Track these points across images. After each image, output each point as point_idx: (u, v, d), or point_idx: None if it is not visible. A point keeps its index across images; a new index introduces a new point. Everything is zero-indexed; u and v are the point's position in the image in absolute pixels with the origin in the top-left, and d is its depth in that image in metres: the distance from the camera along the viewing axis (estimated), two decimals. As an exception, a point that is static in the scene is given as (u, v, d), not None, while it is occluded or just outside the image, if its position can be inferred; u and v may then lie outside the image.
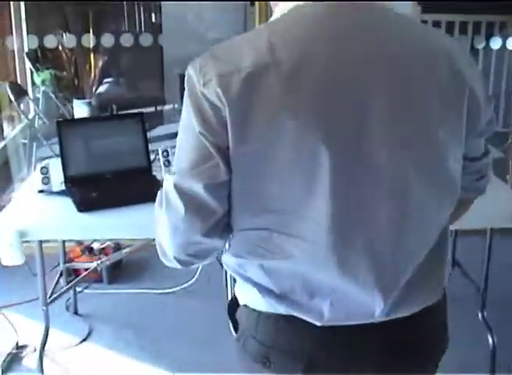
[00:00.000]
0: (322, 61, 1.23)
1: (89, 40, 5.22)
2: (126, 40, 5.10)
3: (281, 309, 1.39)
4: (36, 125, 5.69)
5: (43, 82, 6.47)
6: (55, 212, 2.69)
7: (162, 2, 5.73)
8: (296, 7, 1.29)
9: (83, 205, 2.65)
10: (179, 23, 5.59)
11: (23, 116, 5.29)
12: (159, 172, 2.98)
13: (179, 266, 1.42)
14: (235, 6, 5.72)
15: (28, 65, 6.35)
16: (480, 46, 6.48)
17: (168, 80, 6.04)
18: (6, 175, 5.08)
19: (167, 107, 6.37)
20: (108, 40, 5.29)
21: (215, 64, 1.25)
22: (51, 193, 2.82)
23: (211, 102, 1.24)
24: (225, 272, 3.17)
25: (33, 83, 6.73)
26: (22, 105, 5.36)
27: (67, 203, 2.71)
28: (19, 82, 6.28)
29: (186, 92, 1.29)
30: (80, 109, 5.98)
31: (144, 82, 5.78)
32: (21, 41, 6.03)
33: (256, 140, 1.23)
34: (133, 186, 2.84)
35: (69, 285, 3.20)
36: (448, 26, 7.07)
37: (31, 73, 6.55)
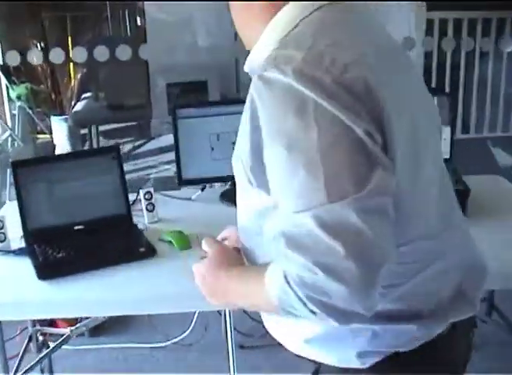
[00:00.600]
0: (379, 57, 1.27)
1: (61, 54, 4.62)
2: (102, 54, 4.46)
3: (436, 327, 1.34)
4: (9, 147, 5.10)
5: (19, 97, 5.89)
6: (11, 279, 2.13)
7: (146, 8, 5.13)
8: (317, 12, 1.28)
9: (46, 271, 2.10)
10: (164, 28, 5.02)
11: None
12: (141, 217, 2.42)
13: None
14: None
15: (3, 80, 5.76)
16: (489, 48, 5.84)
17: (154, 91, 5.48)
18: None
19: (154, 120, 5.79)
20: (81, 54, 4.62)
21: (336, 51, 1.19)
22: (8, 252, 2.26)
23: (357, 91, 1.15)
24: (225, 320, 2.67)
25: (10, 99, 6.16)
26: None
27: (27, 266, 2.16)
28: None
29: (293, 101, 1.15)
30: (58, 126, 5.42)
31: (127, 95, 5.19)
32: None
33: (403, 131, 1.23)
34: (109, 240, 2.29)
35: (38, 359, 2.64)
36: (456, 24, 6.51)
37: (7, 88, 5.97)
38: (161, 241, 2.29)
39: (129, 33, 6.29)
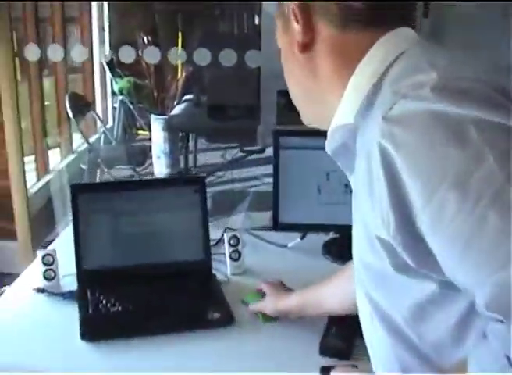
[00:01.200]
0: None
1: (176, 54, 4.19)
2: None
3: None
4: (102, 144, 4.76)
5: (121, 91, 5.59)
6: (52, 328, 1.74)
7: (264, 6, 4.66)
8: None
9: (92, 330, 1.68)
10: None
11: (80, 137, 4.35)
12: (222, 264, 1.95)
13: None
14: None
15: (107, 74, 5.48)
16: None
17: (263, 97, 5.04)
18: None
19: (261, 128, 5.34)
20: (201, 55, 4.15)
21: (461, 66, 0.97)
22: (55, 294, 1.84)
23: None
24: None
25: (113, 93, 5.89)
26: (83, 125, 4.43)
27: (75, 315, 1.76)
28: (86, 94, 5.41)
29: (446, 128, 0.84)
30: (158, 126, 5.04)
31: (232, 101, 4.75)
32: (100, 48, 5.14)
33: None
34: (179, 294, 1.85)
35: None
36: None
37: (111, 81, 5.68)
38: (243, 304, 1.81)
39: (245, 31, 5.86)
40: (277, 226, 2.11)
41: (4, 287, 1.93)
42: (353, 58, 1.02)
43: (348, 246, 1.12)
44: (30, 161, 4.66)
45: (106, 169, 4.18)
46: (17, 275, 3.58)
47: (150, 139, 5.33)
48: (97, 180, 4.42)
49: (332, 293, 1.59)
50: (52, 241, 2.24)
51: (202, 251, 1.95)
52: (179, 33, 5.08)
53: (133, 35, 5.12)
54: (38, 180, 4.74)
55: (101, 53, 5.16)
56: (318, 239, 2.19)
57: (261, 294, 1.79)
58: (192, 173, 4.57)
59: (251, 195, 4.49)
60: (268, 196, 5.19)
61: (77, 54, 3.79)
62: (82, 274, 1.87)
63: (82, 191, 1.89)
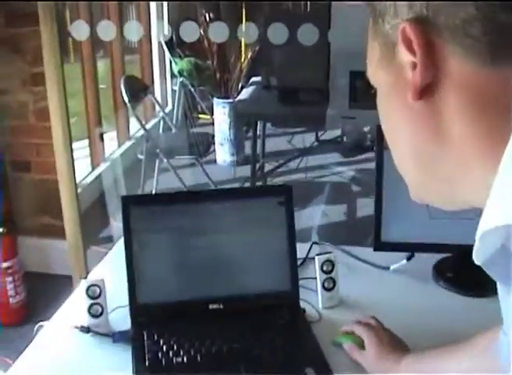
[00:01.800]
0: None
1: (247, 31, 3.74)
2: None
3: None
4: (161, 132, 4.37)
5: (181, 72, 5.19)
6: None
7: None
8: None
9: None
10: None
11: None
12: (309, 294, 1.56)
13: None
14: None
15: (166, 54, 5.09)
16: None
17: (334, 79, 4.57)
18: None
19: (331, 111, 4.87)
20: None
21: None
22: (102, 336, 1.45)
23: None
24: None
25: (172, 74, 5.50)
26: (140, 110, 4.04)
27: (126, 364, 1.38)
28: (143, 76, 5.04)
29: None
30: (221, 110, 4.63)
31: (304, 83, 4.30)
32: (160, 26, 4.73)
33: None
34: (262, 339, 1.43)
35: None
36: None
37: (170, 63, 5.30)
38: (336, 345, 1.40)
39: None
40: (379, 245, 1.68)
41: (42, 323, 1.54)
42: (507, 109, 0.60)
43: (464, 267, 0.92)
44: (82, 146, 4.32)
45: (165, 160, 3.79)
46: (66, 277, 3.31)
47: (212, 124, 4.94)
48: (156, 171, 4.04)
49: (457, 368, 1.17)
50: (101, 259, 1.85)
51: (288, 280, 1.54)
52: (243, 10, 4.65)
53: (193, 11, 4.70)
54: (92, 169, 4.39)
55: (159, 31, 4.75)
56: (428, 260, 1.75)
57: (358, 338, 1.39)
58: (260, 162, 4.15)
59: (328, 187, 4.06)
60: (342, 188, 4.80)
61: (132, 32, 3.38)
62: (137, 310, 1.48)
63: (136, 204, 1.49)
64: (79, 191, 3.93)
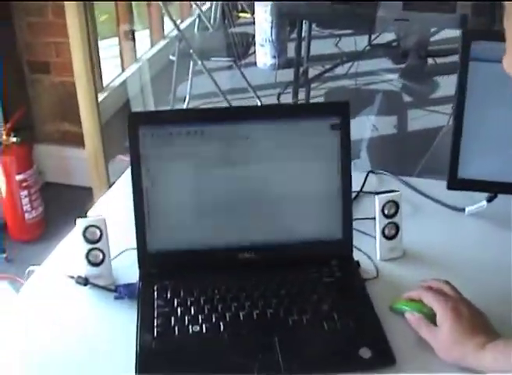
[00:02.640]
0: None
1: None
2: None
3: None
4: (196, 31, 3.98)
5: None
6: (94, 357, 1.06)
7: None
8: None
9: (157, 365, 1.01)
10: None
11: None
12: (364, 242, 1.26)
13: None
14: None
15: None
16: None
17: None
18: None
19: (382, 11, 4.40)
20: None
21: None
22: (103, 289, 1.15)
23: None
24: None
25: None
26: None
27: (131, 327, 1.08)
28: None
29: None
30: (262, 9, 4.20)
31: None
32: None
33: None
34: (304, 305, 1.12)
35: None
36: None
37: None
38: (393, 311, 1.11)
39: None
40: (455, 182, 1.32)
41: (32, 267, 1.25)
42: None
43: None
44: (112, 45, 3.96)
45: (200, 62, 3.42)
46: (87, 189, 3.02)
47: (253, 23, 4.53)
48: (190, 74, 3.68)
49: None
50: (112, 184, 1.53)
51: (339, 224, 1.20)
52: None
53: None
54: (122, 71, 4.03)
55: None
56: (509, 203, 1.39)
57: (426, 308, 1.06)
58: (304, 66, 3.75)
59: (378, 96, 3.66)
60: (392, 97, 4.38)
61: None
62: (147, 259, 1.17)
63: (148, 124, 1.15)
64: (106, 94, 3.62)
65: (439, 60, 4.21)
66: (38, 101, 3.24)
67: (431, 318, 1.05)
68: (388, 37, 4.27)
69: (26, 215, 2.85)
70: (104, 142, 2.85)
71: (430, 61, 4.29)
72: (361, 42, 4.18)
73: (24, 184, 2.80)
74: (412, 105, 4.21)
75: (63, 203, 3.05)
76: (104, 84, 3.74)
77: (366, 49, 3.67)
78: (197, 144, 1.16)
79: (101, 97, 3.50)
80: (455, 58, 3.65)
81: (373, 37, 3.98)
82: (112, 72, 3.96)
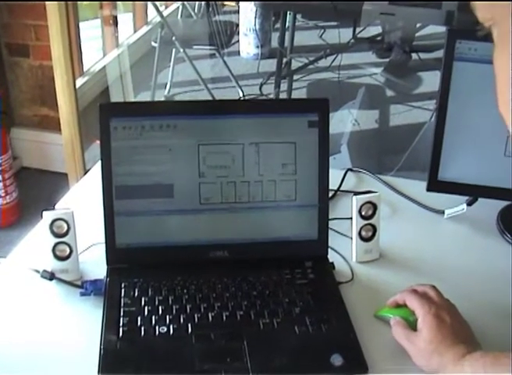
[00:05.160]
0: None
1: None
2: None
3: None
4: (179, 18, 3.92)
5: None
6: (57, 353, 1.02)
7: None
8: None
9: (120, 365, 0.97)
10: None
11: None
12: (338, 242, 1.22)
13: None
14: None
15: None
16: None
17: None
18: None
19: (367, 6, 4.34)
20: None
21: None
22: (69, 285, 1.11)
23: None
24: None
25: None
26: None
27: (97, 325, 1.04)
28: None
29: None
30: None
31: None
32: None
33: None
34: (275, 306, 1.10)
35: None
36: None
37: None
38: (378, 318, 1.08)
39: None
40: (435, 184, 1.30)
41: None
42: None
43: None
44: (95, 26, 3.89)
45: (182, 49, 3.37)
46: (62, 175, 2.97)
47: (237, 12, 4.48)
48: (172, 61, 3.62)
49: None
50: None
51: (315, 224, 1.17)
52: None
53: None
54: (104, 55, 3.97)
55: None
56: (493, 207, 1.37)
57: (407, 312, 1.03)
58: (287, 57, 3.70)
59: (361, 90, 3.61)
60: (377, 92, 4.33)
61: None
62: (115, 255, 1.13)
63: (120, 116, 1.11)
64: (86, 79, 3.56)
65: (424, 56, 4.18)
66: (17, 85, 3.18)
67: (412, 323, 1.02)
68: (373, 30, 4.23)
69: (0, 200, 2.79)
70: (82, 128, 2.79)
71: (414, 56, 4.26)
72: (346, 35, 4.14)
73: (-1, 169, 2.75)
74: (394, 100, 4.18)
75: (39, 189, 3.00)
76: (85, 69, 3.68)
77: (350, 42, 3.63)
78: (169, 138, 1.12)
79: (80, 82, 3.44)
80: (439, 53, 3.61)
81: (358, 30, 3.93)
82: (93, 56, 3.90)
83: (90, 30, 3.99)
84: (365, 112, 3.74)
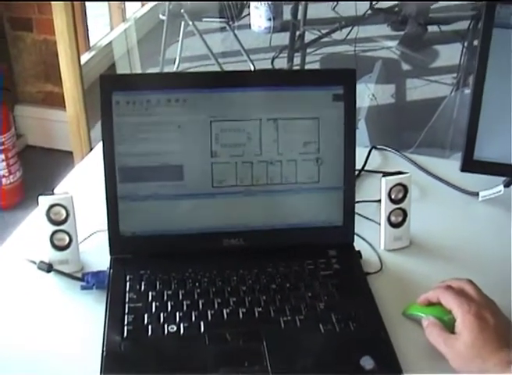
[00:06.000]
0: None
1: None
2: None
3: None
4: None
5: None
6: (57, 353, 0.92)
7: None
8: None
9: (124, 367, 0.86)
10: None
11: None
12: (366, 229, 1.10)
13: None
14: None
15: None
16: None
17: None
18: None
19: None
20: None
21: None
22: (69, 277, 1.00)
23: None
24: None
25: None
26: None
27: (99, 321, 0.94)
28: None
29: None
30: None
31: None
32: None
33: None
34: (297, 301, 0.98)
35: None
36: None
37: None
38: (409, 318, 0.97)
39: None
40: (470, 163, 1.18)
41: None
42: None
43: None
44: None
45: (191, 23, 3.24)
46: (68, 153, 2.87)
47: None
48: (180, 35, 3.50)
49: None
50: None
51: (340, 208, 1.06)
52: None
53: None
54: (111, 29, 3.85)
55: None
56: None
57: (443, 311, 0.91)
58: (300, 30, 3.57)
59: (379, 64, 3.48)
60: (393, 66, 4.20)
61: None
62: (119, 245, 1.02)
63: (123, 89, 1.00)
64: (92, 54, 3.45)
65: (439, 28, 4.04)
66: (20, 60, 3.07)
67: (452, 326, 0.90)
68: (387, 3, 4.10)
69: (3, 180, 2.68)
70: (88, 105, 2.68)
71: (432, 29, 4.12)
72: (361, 7, 4.01)
73: (1, 147, 2.63)
74: (411, 74, 4.05)
75: (45, 168, 2.89)
76: (92, 44, 3.56)
77: (367, 14, 3.49)
78: (178, 114, 1.01)
79: (86, 57, 3.33)
80: (455, 26, 3.47)
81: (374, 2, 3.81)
82: (100, 31, 3.79)
83: (98, 7, 3.88)
84: (382, 86, 3.62)
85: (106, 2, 3.88)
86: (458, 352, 0.86)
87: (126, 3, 4.04)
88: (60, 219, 1.02)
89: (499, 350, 0.83)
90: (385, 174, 1.09)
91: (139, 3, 4.27)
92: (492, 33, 1.10)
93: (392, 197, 1.08)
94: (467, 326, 0.86)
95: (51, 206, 1.01)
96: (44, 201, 1.01)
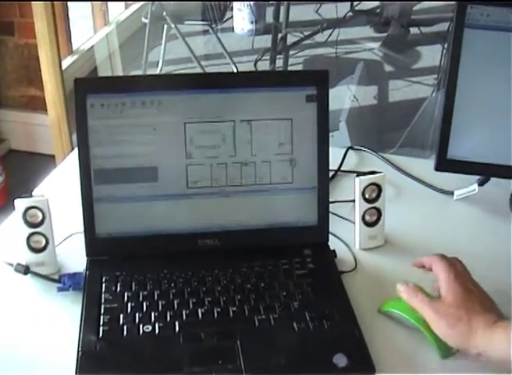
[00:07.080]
0: None
1: None
2: None
3: None
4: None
5: None
6: (32, 354, 0.92)
7: None
8: None
9: (99, 367, 0.86)
10: None
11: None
12: (339, 227, 1.11)
13: None
14: None
15: None
16: None
17: None
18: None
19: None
20: None
21: None
22: (45, 279, 1.01)
23: None
24: None
25: None
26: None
27: (75, 322, 0.94)
28: None
29: None
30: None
31: None
32: None
33: None
34: (271, 300, 0.99)
35: None
36: None
37: None
38: (384, 315, 0.98)
39: None
40: (444, 162, 1.19)
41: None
42: None
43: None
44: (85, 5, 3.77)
45: (173, 25, 3.25)
46: (52, 157, 2.86)
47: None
48: (163, 38, 3.50)
49: None
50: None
51: (314, 208, 1.07)
52: None
53: None
54: (94, 33, 3.84)
55: None
56: (505, 187, 1.26)
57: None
58: (282, 32, 3.59)
59: (361, 66, 3.50)
60: (375, 67, 4.22)
61: None
62: (95, 247, 1.03)
63: (97, 92, 1.00)
64: (74, 58, 3.44)
65: (422, 30, 4.06)
66: (2, 64, 3.06)
67: (422, 325, 0.92)
68: (370, 4, 4.12)
69: (-15, 184, 2.68)
70: (70, 109, 2.68)
71: (413, 31, 4.15)
72: (342, 9, 4.03)
73: (-17, 152, 2.63)
74: (393, 76, 4.07)
75: (28, 172, 2.88)
76: (75, 48, 3.56)
77: (348, 15, 3.51)
78: (153, 116, 1.01)
79: (69, 61, 3.33)
80: (437, 28, 3.49)
81: (355, 3, 3.82)
82: (84, 34, 3.79)
83: (82, 9, 3.87)
84: (364, 87, 3.63)
85: (89, 3, 3.87)
86: (443, 315, 0.88)
87: (109, 6, 4.04)
88: (36, 221, 1.02)
89: (485, 312, 0.86)
90: (359, 174, 1.10)
91: (122, 5, 4.28)
92: (464, 33, 1.11)
93: (367, 196, 1.09)
94: (452, 291, 0.89)
95: (28, 209, 1.01)
96: (21, 203, 1.01)
